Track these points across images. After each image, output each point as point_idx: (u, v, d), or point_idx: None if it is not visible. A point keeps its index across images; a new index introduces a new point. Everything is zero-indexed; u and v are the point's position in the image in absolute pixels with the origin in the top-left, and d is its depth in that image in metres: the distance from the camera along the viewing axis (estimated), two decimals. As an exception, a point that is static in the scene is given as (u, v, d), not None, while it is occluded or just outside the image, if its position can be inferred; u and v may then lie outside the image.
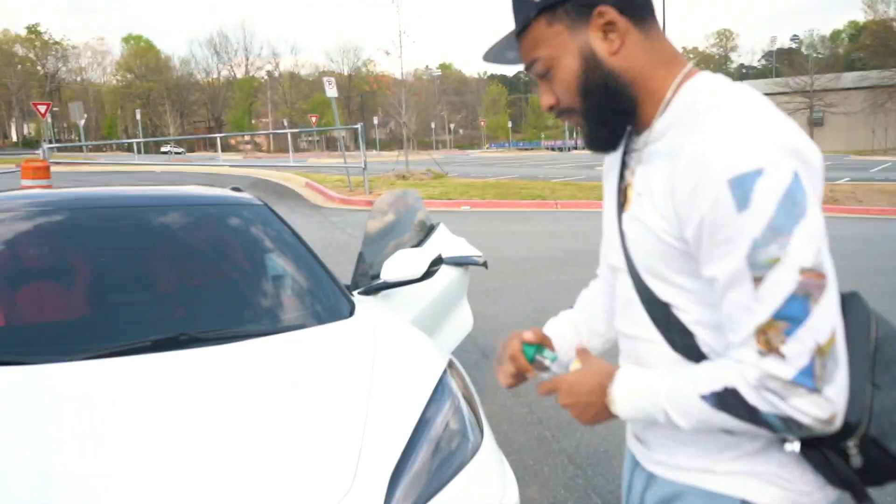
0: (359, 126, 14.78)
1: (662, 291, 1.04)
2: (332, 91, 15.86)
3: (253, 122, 79.66)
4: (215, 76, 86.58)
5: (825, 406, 0.89)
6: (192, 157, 39.07)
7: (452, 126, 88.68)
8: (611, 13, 1.00)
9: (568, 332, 1.31)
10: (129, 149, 32.26)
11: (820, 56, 66.61)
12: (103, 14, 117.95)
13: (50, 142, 19.32)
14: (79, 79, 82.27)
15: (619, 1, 1.00)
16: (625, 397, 1.04)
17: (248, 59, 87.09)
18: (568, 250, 8.92)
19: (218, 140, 21.02)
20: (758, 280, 0.89)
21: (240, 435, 1.69)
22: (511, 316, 5.69)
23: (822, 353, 0.88)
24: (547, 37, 1.04)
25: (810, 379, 0.88)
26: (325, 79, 15.95)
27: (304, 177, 18.83)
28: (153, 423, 1.70)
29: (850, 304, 1.01)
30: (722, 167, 0.90)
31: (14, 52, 74.28)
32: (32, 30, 77.64)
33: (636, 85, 1.03)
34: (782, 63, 73.71)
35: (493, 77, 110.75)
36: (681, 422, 0.99)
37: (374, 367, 2.04)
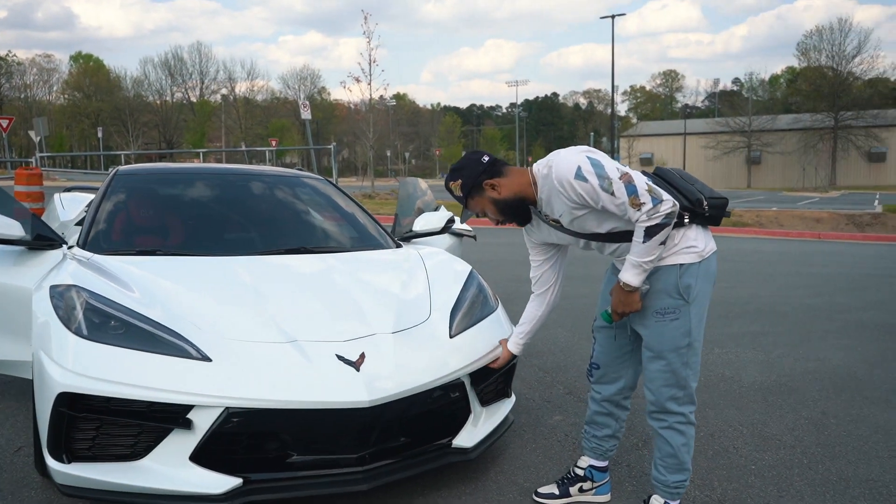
0: (332, 146, 15.95)
1: (605, 229, 2.32)
2: (306, 114, 17.03)
3: (207, 145, 79.55)
4: (168, 98, 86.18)
5: (669, 201, 2.14)
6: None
7: (407, 155, 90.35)
8: (490, 182, 2.36)
9: (521, 340, 2.76)
10: (79, 165, 32.26)
11: (759, 98, 70.49)
12: (50, 31, 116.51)
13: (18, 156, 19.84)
14: (22, 95, 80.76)
15: (490, 175, 2.36)
16: (630, 279, 2.24)
17: (203, 83, 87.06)
18: (524, 255, 10.24)
19: (204, 158, 21.61)
20: (612, 193, 2.16)
21: (357, 288, 2.87)
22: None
23: (650, 191, 2.14)
24: (474, 203, 2.40)
25: (656, 199, 2.13)
26: (300, 102, 17.10)
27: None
28: (305, 281, 2.90)
29: (661, 171, 2.38)
30: (569, 176, 2.19)
31: (-47, 68, 72.81)
32: (-27, 44, 76.22)
33: (519, 194, 2.35)
34: (724, 104, 77.67)
35: (447, 108, 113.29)
36: (650, 258, 2.21)
37: (425, 265, 3.26)
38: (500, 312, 3.10)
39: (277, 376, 2.29)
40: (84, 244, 3.15)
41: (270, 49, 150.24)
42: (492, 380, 2.84)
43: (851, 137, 57.74)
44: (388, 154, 77.82)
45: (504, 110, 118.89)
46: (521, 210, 2.40)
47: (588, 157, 2.21)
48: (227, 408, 2.21)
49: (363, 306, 2.74)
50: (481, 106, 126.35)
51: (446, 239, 4.59)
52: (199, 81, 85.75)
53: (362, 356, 2.42)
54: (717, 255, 2.38)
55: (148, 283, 2.71)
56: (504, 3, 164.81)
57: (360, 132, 25.68)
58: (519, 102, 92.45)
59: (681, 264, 2.28)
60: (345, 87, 22.10)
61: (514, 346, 2.77)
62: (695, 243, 2.30)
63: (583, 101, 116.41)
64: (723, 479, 2.85)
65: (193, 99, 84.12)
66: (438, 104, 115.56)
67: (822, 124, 57.91)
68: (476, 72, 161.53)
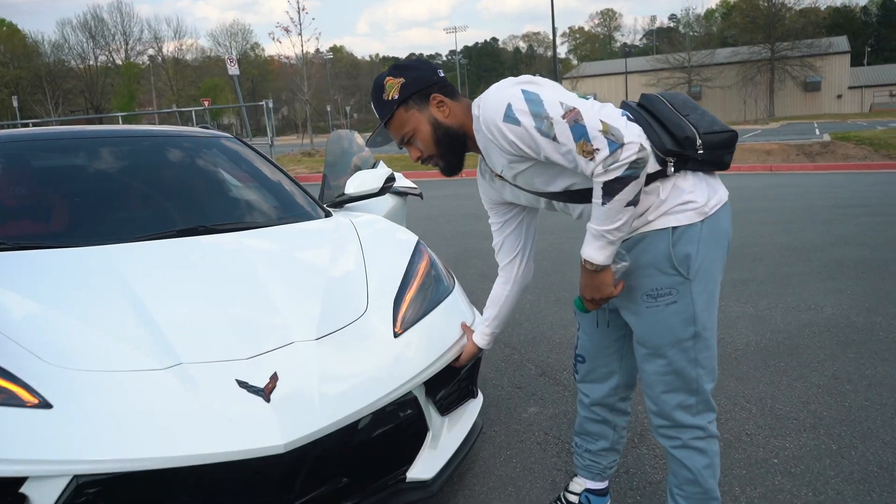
0: (265, 102, 14.88)
1: (559, 187, 1.71)
2: (233, 69, 15.85)
3: (137, 109, 75.71)
4: (92, 62, 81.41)
5: (632, 144, 1.49)
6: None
7: (348, 109, 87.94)
8: (439, 96, 1.73)
9: (488, 330, 2.13)
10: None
11: (696, 34, 70.73)
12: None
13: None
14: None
15: (441, 89, 1.74)
16: (591, 255, 1.62)
17: (127, 44, 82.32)
18: (476, 208, 9.62)
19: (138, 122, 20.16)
20: (554, 138, 1.54)
21: (270, 277, 2.19)
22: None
23: (605, 131, 1.49)
24: (406, 118, 1.74)
25: (614, 143, 1.49)
26: (227, 58, 15.91)
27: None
28: (199, 272, 2.19)
29: (646, 100, 1.75)
30: (497, 118, 1.59)
31: None
32: None
33: (462, 127, 1.74)
34: (662, 41, 77.58)
35: (386, 59, 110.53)
36: (615, 224, 1.57)
37: (359, 238, 2.58)
38: (457, 293, 2.47)
39: (150, 421, 1.61)
40: None
41: (198, 6, 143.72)
42: (453, 383, 2.22)
43: (787, 68, 58.34)
44: (329, 109, 75.60)
45: (444, 58, 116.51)
46: (459, 148, 1.78)
47: (523, 91, 1.58)
48: (75, 476, 1.53)
49: (277, 302, 2.07)
50: (421, 55, 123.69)
51: (388, 200, 3.90)
52: (122, 43, 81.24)
53: (274, 378, 1.76)
54: (728, 206, 1.75)
55: (-28, 294, 1.98)
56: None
57: (297, 88, 24.35)
58: (459, 49, 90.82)
59: (673, 227, 1.65)
60: (274, 39, 20.86)
61: (479, 338, 2.15)
62: (692, 197, 1.65)
63: (522, 45, 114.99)
64: (744, 481, 2.32)
65: (119, 62, 79.81)
66: (377, 55, 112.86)
67: (758, 56, 58.31)
68: (413, 20, 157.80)
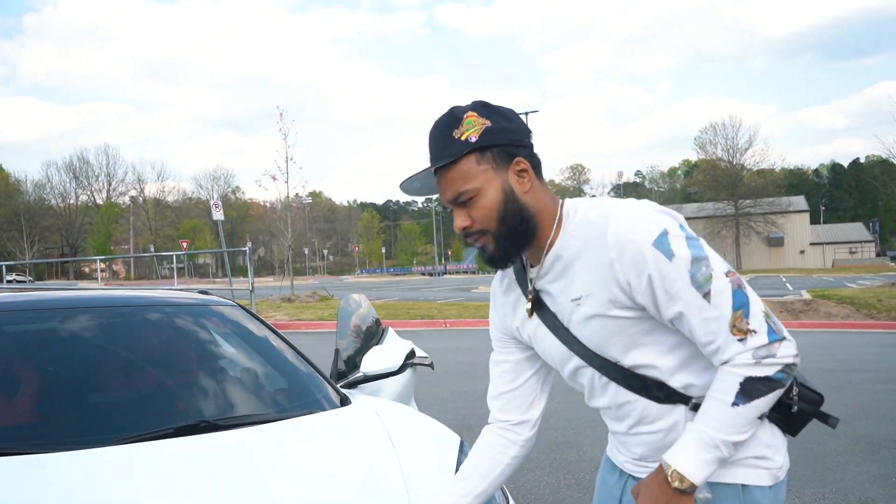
0: (247, 248, 14.73)
1: (632, 360, 1.31)
2: (218, 214, 15.84)
3: (113, 248, 75.73)
4: (72, 201, 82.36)
5: (791, 344, 1.22)
6: (46, 286, 36.66)
7: (326, 252, 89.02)
8: (524, 163, 1.33)
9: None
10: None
11: (661, 189, 74.37)
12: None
13: None
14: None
15: (529, 158, 1.34)
16: (687, 465, 1.22)
17: (110, 185, 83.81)
18: (470, 363, 9.21)
19: (101, 266, 19.74)
20: (706, 295, 1.21)
21: (294, 491, 1.76)
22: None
23: (767, 315, 1.22)
24: (475, 172, 1.30)
25: (775, 334, 1.20)
26: (212, 203, 15.94)
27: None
28: (207, 487, 1.75)
29: None
30: (644, 239, 1.23)
31: None
32: None
33: (538, 215, 1.33)
34: (629, 195, 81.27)
35: (363, 204, 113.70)
36: (737, 437, 1.22)
37: (393, 442, 2.17)
38: (510, 510, 2.04)
39: None
40: None
41: (184, 149, 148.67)
42: None
43: (751, 224, 61.00)
44: (306, 252, 76.45)
45: (420, 204, 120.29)
46: (524, 237, 1.34)
47: (681, 226, 1.27)
48: None
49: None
50: (397, 201, 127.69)
51: (403, 375, 3.52)
52: (105, 184, 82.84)
53: None
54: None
55: None
56: (417, 102, 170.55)
57: (277, 231, 24.58)
58: (434, 197, 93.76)
59: (744, 485, 1.31)
60: (260, 186, 21.22)
61: None
62: (769, 453, 1.32)
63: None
64: None
65: (100, 201, 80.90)
66: (355, 200, 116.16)
67: (723, 212, 61.01)
68: (392, 169, 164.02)
